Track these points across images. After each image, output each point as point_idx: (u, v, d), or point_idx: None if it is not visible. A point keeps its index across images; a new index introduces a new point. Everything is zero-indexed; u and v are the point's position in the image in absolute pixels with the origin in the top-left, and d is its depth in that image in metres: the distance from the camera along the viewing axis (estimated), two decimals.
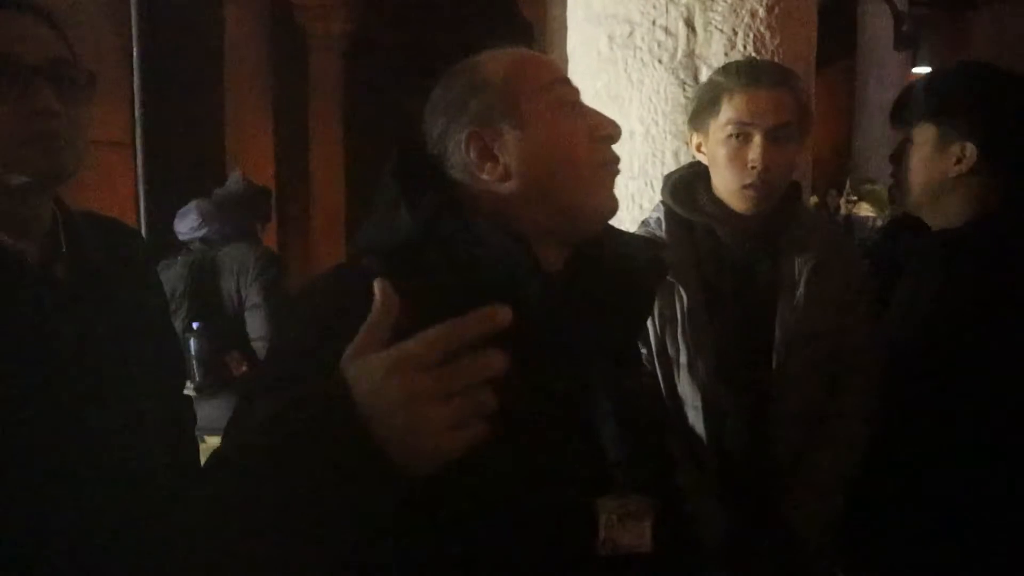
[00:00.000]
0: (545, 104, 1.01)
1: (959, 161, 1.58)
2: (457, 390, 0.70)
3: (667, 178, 1.66)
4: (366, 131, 10.26)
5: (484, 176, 1.00)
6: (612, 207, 1.04)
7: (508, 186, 0.99)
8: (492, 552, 0.89)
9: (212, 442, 2.84)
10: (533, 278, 0.95)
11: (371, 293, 0.75)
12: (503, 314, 0.70)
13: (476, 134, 1.00)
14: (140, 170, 3.76)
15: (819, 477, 1.55)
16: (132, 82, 3.62)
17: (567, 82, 1.05)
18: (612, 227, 1.10)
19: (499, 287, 0.93)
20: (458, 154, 1.01)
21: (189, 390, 2.82)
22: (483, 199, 1.00)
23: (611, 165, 1.04)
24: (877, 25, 8.22)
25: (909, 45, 7.10)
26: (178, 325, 2.85)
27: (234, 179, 3.42)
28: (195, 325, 2.95)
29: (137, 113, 3.59)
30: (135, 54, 3.53)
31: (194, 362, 2.90)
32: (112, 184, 5.27)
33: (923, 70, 7.48)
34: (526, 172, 0.99)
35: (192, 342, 2.91)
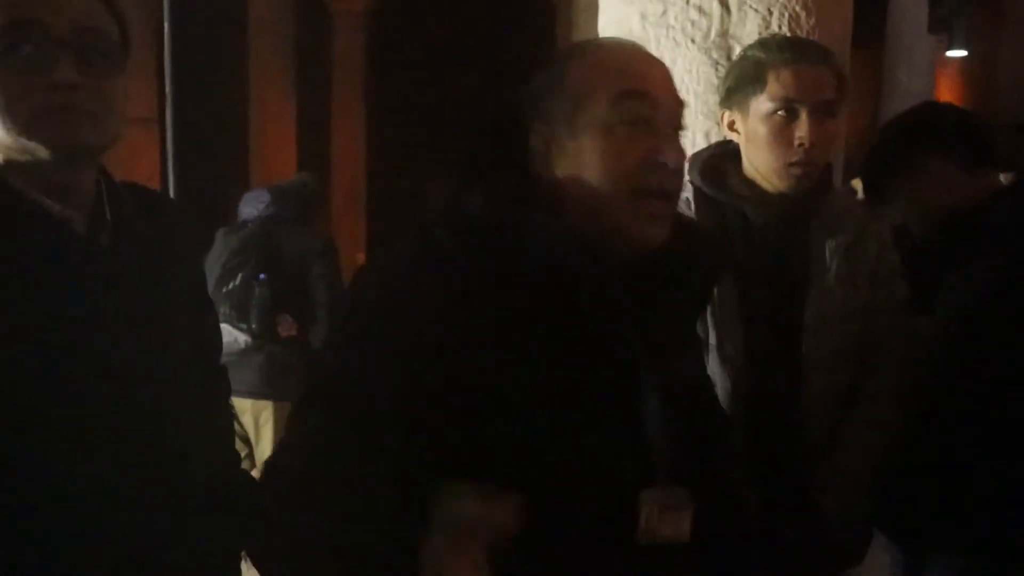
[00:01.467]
0: (604, 118, 0.97)
1: None
2: None
3: (695, 157, 1.63)
4: (389, 110, 10.25)
5: (542, 183, 1.00)
6: (651, 237, 0.99)
7: (564, 190, 0.99)
8: (533, 537, 0.90)
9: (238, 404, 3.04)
10: (587, 275, 0.95)
11: (444, 276, 0.92)
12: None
13: (541, 133, 1.00)
14: (170, 146, 3.79)
15: (850, 460, 1.55)
16: (160, 58, 3.64)
17: (642, 96, 0.98)
18: (682, 217, 1.09)
19: (555, 279, 0.94)
20: (535, 145, 1.01)
21: (237, 347, 3.17)
22: (555, 190, 1.00)
23: (659, 195, 0.98)
24: (908, 7, 8.08)
25: (943, 28, 6.98)
26: (240, 278, 3.27)
27: (301, 176, 4.05)
28: (262, 276, 3.32)
29: (168, 90, 3.60)
30: (166, 31, 3.54)
31: (255, 310, 3.27)
32: (136, 160, 5.31)
33: (958, 54, 7.35)
34: (573, 183, 0.98)
35: (257, 291, 3.29)
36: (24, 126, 0.98)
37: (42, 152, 1.00)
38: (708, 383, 1.26)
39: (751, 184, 1.55)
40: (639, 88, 0.99)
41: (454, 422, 0.89)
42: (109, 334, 1.03)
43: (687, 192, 1.62)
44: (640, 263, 1.01)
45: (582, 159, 0.98)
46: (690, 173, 1.63)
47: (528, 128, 1.01)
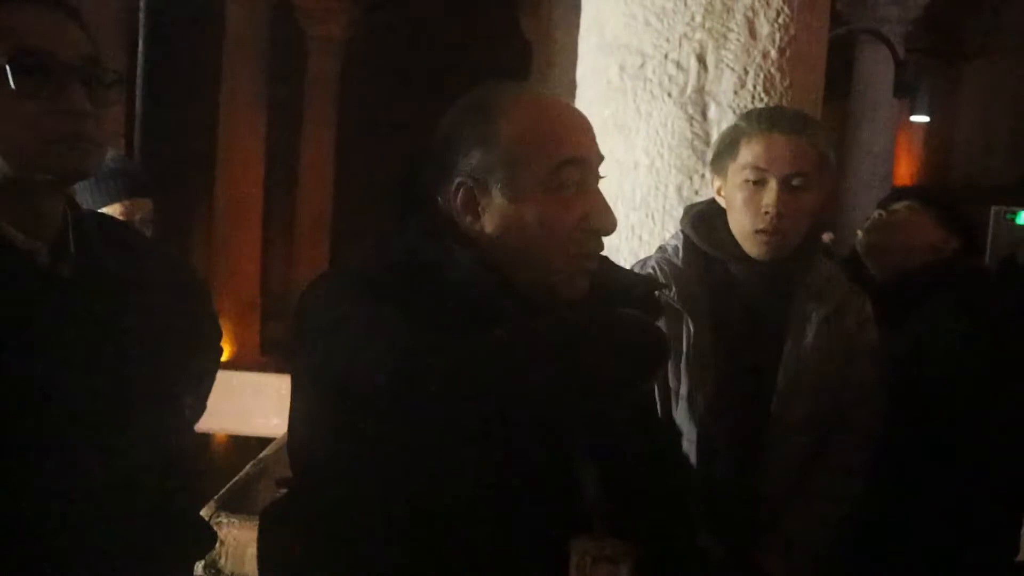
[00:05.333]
0: (544, 184, 0.98)
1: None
2: None
3: (688, 208, 1.66)
4: (359, 137, 10.25)
5: (462, 225, 1.01)
6: (577, 292, 1.01)
7: (482, 240, 1.00)
8: None
9: None
10: (506, 311, 0.95)
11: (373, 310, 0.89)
12: None
13: (467, 186, 1.00)
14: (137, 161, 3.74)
15: (801, 529, 1.53)
16: (132, 76, 3.60)
17: (579, 162, 1.00)
18: (607, 261, 1.09)
19: (475, 316, 0.94)
20: (448, 193, 1.01)
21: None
22: (480, 238, 1.01)
23: (591, 257, 1.01)
24: (874, 70, 8.32)
25: (908, 93, 7.20)
26: None
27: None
28: None
29: (138, 108, 3.57)
30: (140, 49, 3.51)
31: None
32: None
33: (921, 119, 7.57)
34: (501, 239, 0.99)
35: None
36: (34, 154, 0.98)
37: (43, 178, 1.00)
38: (658, 431, 1.24)
39: (736, 242, 1.57)
40: (578, 156, 1.00)
41: (371, 455, 0.90)
42: (66, 367, 1.01)
43: (676, 240, 1.63)
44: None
45: (519, 219, 0.99)
46: (681, 222, 1.65)
47: (448, 174, 1.01)
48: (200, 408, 1.66)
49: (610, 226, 1.01)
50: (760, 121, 1.53)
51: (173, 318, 1.15)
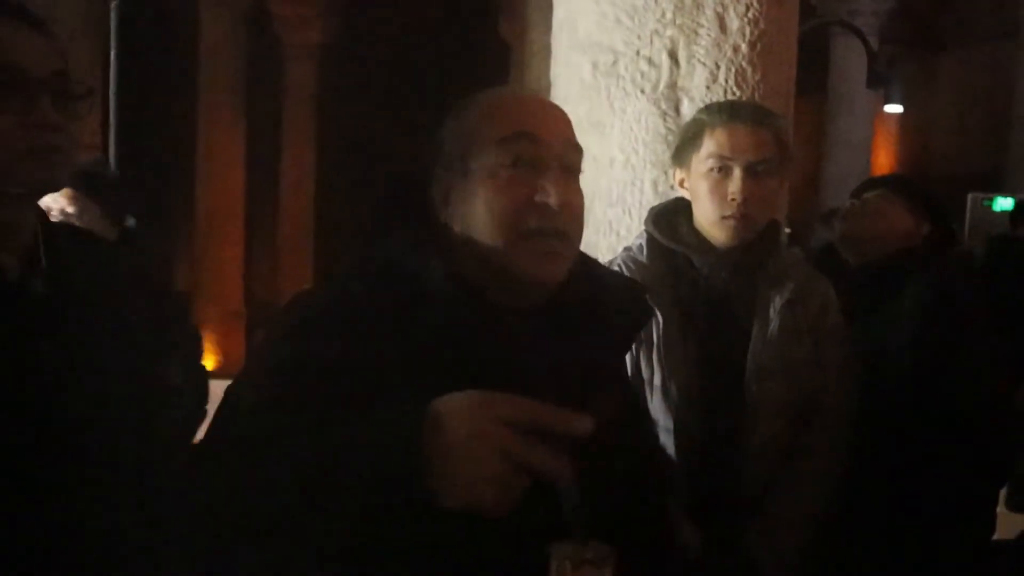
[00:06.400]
0: (493, 160, 0.98)
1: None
2: (523, 460, 0.78)
3: (651, 209, 1.71)
4: (339, 143, 10.23)
5: (442, 219, 1.02)
6: (543, 277, 0.98)
7: (454, 235, 1.01)
8: None
9: None
10: (478, 325, 0.95)
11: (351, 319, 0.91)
12: (582, 425, 0.79)
13: (442, 179, 1.01)
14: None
15: (784, 512, 1.56)
16: (105, 85, 3.58)
17: (527, 137, 0.99)
18: (594, 267, 1.09)
19: (449, 327, 0.94)
20: (432, 191, 1.02)
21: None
22: (452, 237, 1.01)
23: (543, 234, 0.97)
24: (848, 61, 8.38)
25: (881, 84, 7.26)
26: None
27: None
28: None
29: (112, 119, 3.54)
30: (112, 58, 3.48)
31: None
32: None
33: (894, 109, 7.64)
34: (465, 226, 1.00)
35: None
36: (3, 167, 0.98)
37: (16, 190, 1.00)
38: (638, 427, 1.21)
39: (699, 235, 1.62)
40: (524, 130, 0.99)
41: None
42: (41, 382, 1.01)
43: (641, 239, 1.67)
44: (539, 309, 1.01)
45: (473, 204, 0.99)
46: (645, 222, 1.69)
47: (431, 175, 1.03)
48: (197, 415, 1.66)
49: (556, 198, 0.97)
50: (721, 113, 1.60)
51: (148, 329, 1.15)
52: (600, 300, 1.05)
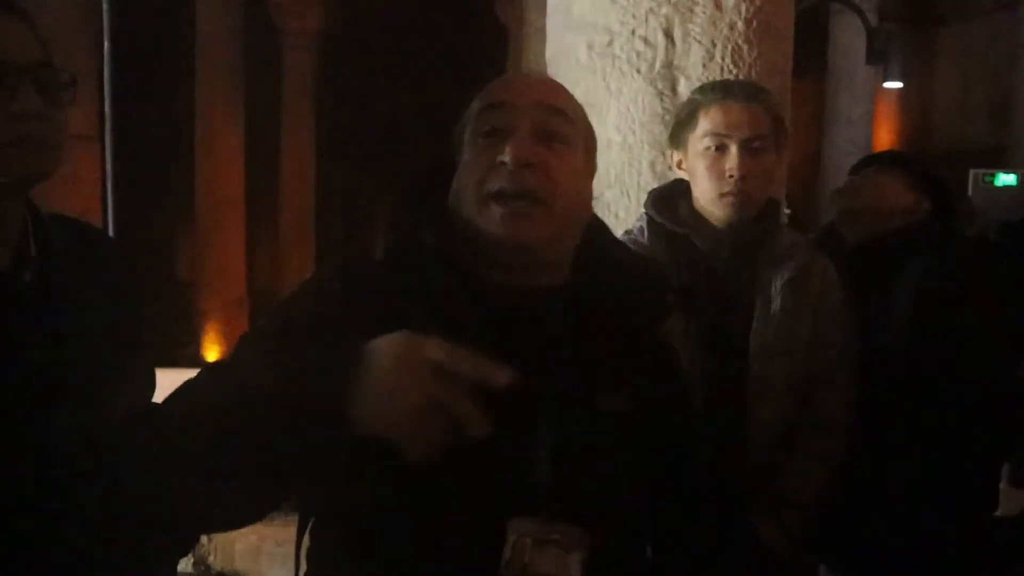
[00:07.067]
0: (470, 133, 1.02)
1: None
2: (450, 405, 0.80)
3: (651, 192, 1.72)
4: (339, 131, 10.20)
5: (450, 202, 1.03)
6: (513, 238, 0.97)
7: (450, 213, 1.03)
8: (398, 538, 0.92)
9: None
10: (463, 308, 0.96)
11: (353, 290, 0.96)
12: (501, 377, 0.82)
13: (455, 164, 1.04)
14: (109, 166, 3.70)
15: (791, 489, 1.58)
16: (100, 76, 3.56)
17: (499, 106, 1.00)
18: (624, 252, 1.09)
19: (430, 303, 0.95)
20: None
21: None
22: (449, 217, 1.03)
23: (508, 196, 0.96)
24: (847, 39, 8.32)
25: (880, 60, 7.21)
26: None
27: None
28: None
29: (107, 107, 3.52)
30: (106, 47, 3.46)
31: None
32: (77, 178, 5.18)
33: (894, 85, 7.59)
34: (452, 203, 1.02)
35: None
36: None
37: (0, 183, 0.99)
38: (661, 422, 1.08)
39: (699, 216, 1.63)
40: (496, 100, 1.01)
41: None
42: (31, 372, 1.00)
43: (641, 222, 1.67)
44: (552, 291, 1.01)
45: (456, 179, 1.02)
46: (644, 204, 1.70)
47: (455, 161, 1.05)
48: None
49: (516, 155, 0.96)
50: (715, 91, 1.62)
51: (139, 320, 1.14)
52: (615, 290, 1.04)
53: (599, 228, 1.12)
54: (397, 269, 0.99)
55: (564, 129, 1.01)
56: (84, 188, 5.32)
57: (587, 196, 1.08)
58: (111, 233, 3.48)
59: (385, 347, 0.83)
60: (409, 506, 0.91)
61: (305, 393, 0.83)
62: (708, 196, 1.59)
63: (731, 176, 1.55)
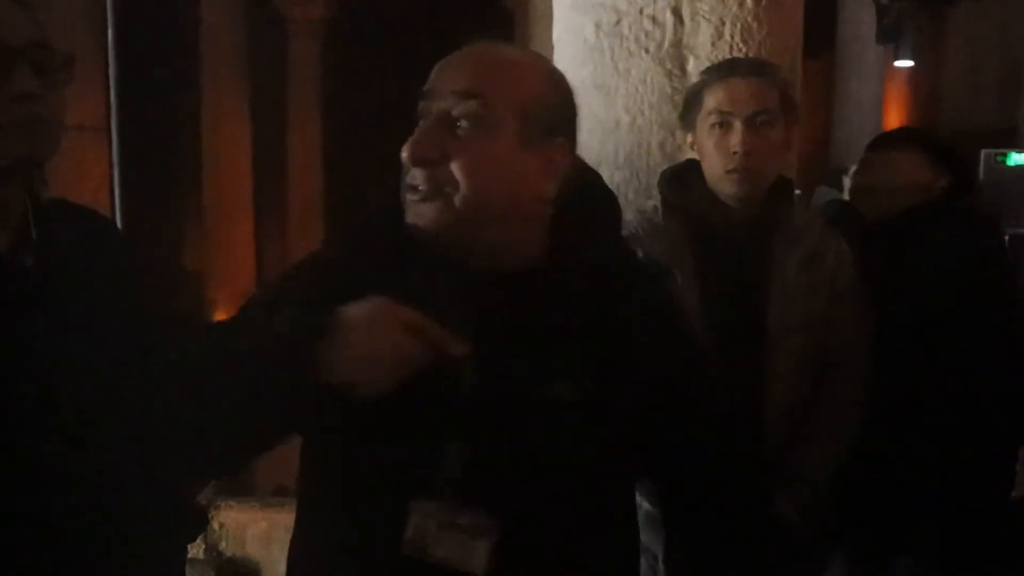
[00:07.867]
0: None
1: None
2: (428, 331, 0.90)
3: (664, 172, 1.72)
4: (345, 118, 10.18)
5: None
6: (420, 225, 0.96)
7: None
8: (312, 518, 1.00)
9: None
10: (415, 289, 0.95)
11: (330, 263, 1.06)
12: (457, 349, 0.91)
13: None
14: (115, 156, 3.69)
15: (806, 467, 1.58)
16: (105, 65, 3.55)
17: (425, 94, 0.98)
18: (587, 247, 1.02)
19: (396, 289, 0.95)
20: None
21: None
22: None
23: (409, 188, 0.97)
24: (858, 19, 8.26)
25: (891, 39, 7.14)
26: None
27: None
28: None
29: (112, 97, 3.51)
30: (110, 36, 3.45)
31: None
32: (84, 168, 5.18)
33: (905, 64, 7.52)
34: None
35: None
36: None
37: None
38: (633, 415, 1.02)
39: (712, 195, 1.63)
40: (426, 87, 0.99)
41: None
42: (32, 357, 1.00)
43: (655, 201, 1.68)
44: (510, 275, 0.99)
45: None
46: (658, 184, 1.70)
47: None
48: None
49: (409, 154, 0.96)
50: (719, 70, 1.62)
51: (141, 304, 1.14)
52: (577, 278, 1.00)
53: (587, 212, 1.06)
54: (364, 251, 1.04)
55: (478, 113, 0.95)
56: (91, 180, 5.32)
57: (526, 177, 0.98)
58: (119, 224, 3.48)
59: (359, 305, 0.90)
60: (334, 474, 0.98)
61: (284, 339, 0.90)
62: (716, 174, 1.60)
63: (735, 152, 1.55)
